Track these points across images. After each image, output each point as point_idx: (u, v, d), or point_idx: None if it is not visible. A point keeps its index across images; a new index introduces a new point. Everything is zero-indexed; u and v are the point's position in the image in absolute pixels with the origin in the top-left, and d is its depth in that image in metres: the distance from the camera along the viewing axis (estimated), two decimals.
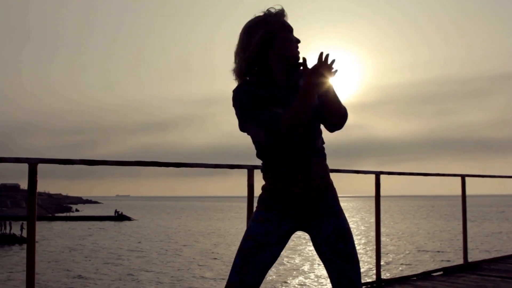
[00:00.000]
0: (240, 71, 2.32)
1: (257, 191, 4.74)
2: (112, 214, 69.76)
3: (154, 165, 4.20)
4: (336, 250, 2.25)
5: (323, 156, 2.37)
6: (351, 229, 2.34)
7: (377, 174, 5.95)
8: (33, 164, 3.58)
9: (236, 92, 2.28)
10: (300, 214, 2.30)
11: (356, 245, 2.32)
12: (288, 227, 2.30)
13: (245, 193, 4.59)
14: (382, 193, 5.97)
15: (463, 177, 7.19)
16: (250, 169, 4.77)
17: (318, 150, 2.33)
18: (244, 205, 4.73)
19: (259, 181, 4.57)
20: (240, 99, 2.25)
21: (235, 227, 45.59)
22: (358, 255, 2.35)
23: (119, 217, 67.79)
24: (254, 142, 2.36)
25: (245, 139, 2.37)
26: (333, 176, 2.44)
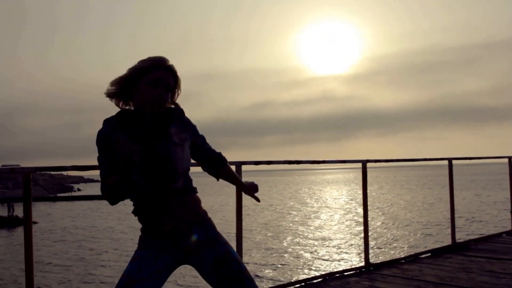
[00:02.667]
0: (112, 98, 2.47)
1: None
2: None
3: None
4: (222, 276, 2.38)
5: (186, 193, 2.47)
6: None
7: (364, 163, 6.12)
8: (27, 173, 3.74)
9: (98, 133, 2.41)
10: (178, 250, 2.45)
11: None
12: (165, 263, 2.41)
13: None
14: (374, 164, 6.16)
15: (450, 160, 7.34)
16: (238, 165, 4.93)
17: (178, 191, 2.42)
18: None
19: (246, 177, 4.76)
20: (97, 142, 2.40)
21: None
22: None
23: None
24: None
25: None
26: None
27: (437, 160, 7.41)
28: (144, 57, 2.45)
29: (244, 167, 4.87)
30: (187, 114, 2.53)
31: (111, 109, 2.43)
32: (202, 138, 2.63)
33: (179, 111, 2.50)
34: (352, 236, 22.37)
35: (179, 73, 2.48)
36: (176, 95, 2.53)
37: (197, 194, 2.55)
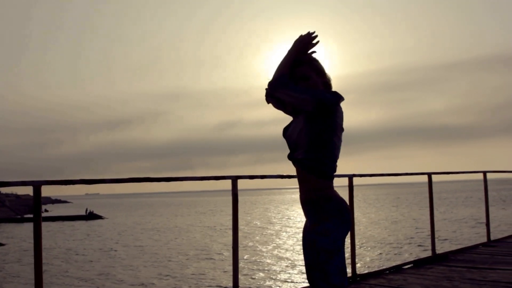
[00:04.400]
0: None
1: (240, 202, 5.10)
2: (83, 213, 69.33)
3: (147, 180, 4.53)
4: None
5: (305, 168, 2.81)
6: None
7: (350, 177, 6.38)
8: (37, 186, 3.87)
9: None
10: None
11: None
12: None
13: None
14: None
15: (429, 175, 7.66)
16: (234, 180, 5.13)
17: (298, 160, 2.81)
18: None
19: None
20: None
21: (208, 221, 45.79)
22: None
23: (90, 216, 67.26)
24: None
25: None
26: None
27: (417, 174, 7.70)
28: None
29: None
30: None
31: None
32: None
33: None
34: None
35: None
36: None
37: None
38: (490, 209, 9.27)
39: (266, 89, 2.80)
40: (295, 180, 2.92)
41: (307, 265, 2.72)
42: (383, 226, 34.85)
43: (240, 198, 5.12)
